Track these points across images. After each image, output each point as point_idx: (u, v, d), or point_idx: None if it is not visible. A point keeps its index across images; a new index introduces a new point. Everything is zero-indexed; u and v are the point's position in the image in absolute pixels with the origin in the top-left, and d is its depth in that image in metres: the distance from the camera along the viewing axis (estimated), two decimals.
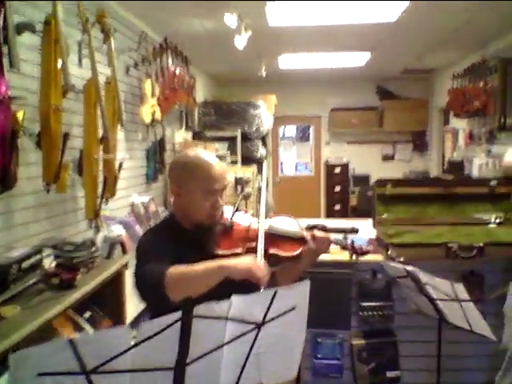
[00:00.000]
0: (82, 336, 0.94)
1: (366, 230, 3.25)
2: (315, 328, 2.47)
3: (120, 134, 4.18)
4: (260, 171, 7.92)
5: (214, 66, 7.24)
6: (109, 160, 3.23)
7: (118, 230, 3.58)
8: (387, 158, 9.04)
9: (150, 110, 4.25)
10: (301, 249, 1.77)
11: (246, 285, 1.52)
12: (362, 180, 8.74)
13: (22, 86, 2.54)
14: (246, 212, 1.87)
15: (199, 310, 1.00)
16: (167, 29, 4.83)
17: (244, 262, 1.50)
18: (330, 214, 8.92)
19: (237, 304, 1.07)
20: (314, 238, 1.78)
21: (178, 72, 4.89)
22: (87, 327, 2.72)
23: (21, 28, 2.23)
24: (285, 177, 9.44)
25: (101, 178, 3.26)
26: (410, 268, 1.88)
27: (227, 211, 1.80)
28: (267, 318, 1.11)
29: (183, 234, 1.72)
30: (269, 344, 1.15)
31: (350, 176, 8.95)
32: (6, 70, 2.03)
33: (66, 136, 2.48)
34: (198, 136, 6.45)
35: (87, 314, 2.79)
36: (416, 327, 2.60)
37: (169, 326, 0.96)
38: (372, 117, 8.67)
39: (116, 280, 2.91)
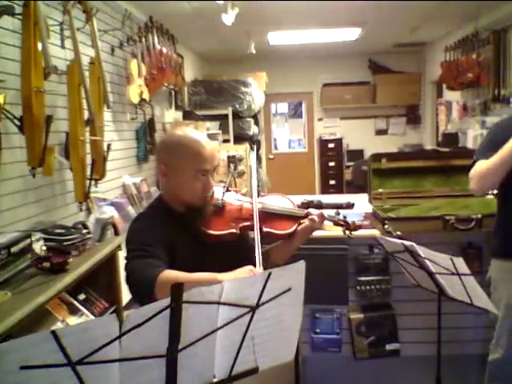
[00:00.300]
0: (65, 327, 0.89)
1: (361, 204, 3.22)
2: (313, 304, 2.45)
3: (108, 115, 4.10)
4: (253, 149, 7.88)
5: (202, 45, 7.10)
6: (96, 142, 3.16)
7: (109, 212, 3.52)
8: (381, 132, 8.98)
9: (137, 90, 4.16)
10: (295, 226, 1.75)
11: (229, 248, 1.56)
12: (356, 155, 8.71)
13: (3, 70, 2.46)
14: (237, 191, 1.82)
15: (189, 295, 0.95)
16: (152, 7, 4.70)
17: (240, 274, 1.41)
18: (325, 189, 8.89)
19: (229, 287, 1.02)
20: (307, 214, 1.75)
21: (164, 51, 4.78)
22: (83, 309, 2.68)
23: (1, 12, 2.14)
24: (278, 153, 9.39)
25: (89, 161, 3.20)
26: (407, 243, 1.84)
27: (217, 191, 1.74)
28: (262, 301, 1.07)
29: (174, 216, 1.66)
30: (264, 327, 1.11)
31: (343, 151, 8.90)
32: None
33: (49, 118, 2.40)
34: (188, 115, 6.36)
35: (82, 296, 2.76)
36: (413, 300, 2.58)
37: (158, 313, 0.92)
38: (364, 92, 8.59)
39: (110, 262, 2.88)
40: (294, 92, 8.96)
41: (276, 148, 9.57)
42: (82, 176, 2.88)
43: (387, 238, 2.04)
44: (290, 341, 1.18)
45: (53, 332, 0.85)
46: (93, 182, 3.25)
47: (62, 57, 3.02)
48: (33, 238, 2.53)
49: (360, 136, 8.83)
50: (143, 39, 4.40)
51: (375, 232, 2.62)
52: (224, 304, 1.02)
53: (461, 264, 1.66)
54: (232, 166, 5.10)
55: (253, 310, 1.06)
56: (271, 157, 9.23)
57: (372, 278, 2.66)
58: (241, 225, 1.67)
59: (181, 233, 1.63)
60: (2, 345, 0.86)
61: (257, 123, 7.76)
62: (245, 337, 1.08)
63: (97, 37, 3.21)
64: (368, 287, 2.64)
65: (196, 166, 1.58)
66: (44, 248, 2.46)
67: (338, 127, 8.99)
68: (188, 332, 1.00)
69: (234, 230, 1.66)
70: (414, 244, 1.81)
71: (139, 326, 0.91)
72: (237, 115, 6.83)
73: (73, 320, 2.54)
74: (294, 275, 1.11)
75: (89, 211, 3.61)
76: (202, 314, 1.02)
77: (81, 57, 2.80)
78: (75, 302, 2.69)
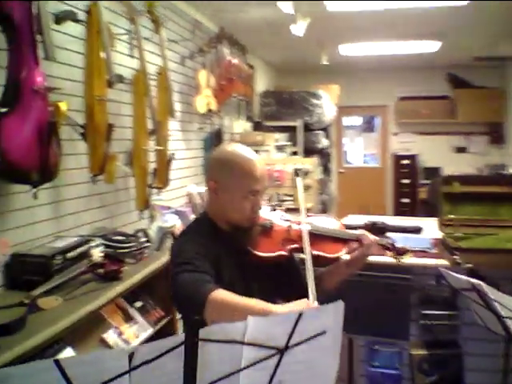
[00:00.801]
0: (70, 357, 0.83)
1: (431, 229, 3.01)
2: (369, 335, 2.28)
3: (175, 125, 4.15)
4: (322, 163, 7.73)
5: (274, 55, 7.08)
6: (160, 151, 3.18)
7: (172, 221, 3.53)
8: (460, 150, 8.51)
9: (204, 100, 4.17)
10: (345, 249, 1.64)
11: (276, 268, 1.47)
12: (433, 172, 8.27)
13: (69, 77, 2.52)
14: (283, 211, 1.74)
15: (206, 332, 0.86)
16: (223, 18, 4.72)
17: (298, 307, 1.32)
18: (397, 207, 8.55)
19: (254, 326, 0.93)
20: (358, 238, 1.63)
21: (234, 62, 4.78)
22: (137, 317, 2.68)
23: (61, 17, 2.19)
24: (349, 168, 9.16)
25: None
26: (475, 281, 1.65)
27: (263, 211, 1.67)
28: (292, 343, 0.96)
29: (219, 233, 1.60)
30: (294, 371, 1.00)
31: (419, 168, 8.52)
32: (42, 60, 1.99)
33: (110, 127, 2.43)
34: (257, 126, 6.33)
35: (139, 304, 2.76)
36: (484, 340, 2.34)
37: (169, 350, 0.84)
38: (443, 106, 8.19)
39: (168, 270, 2.85)
40: (368, 105, 8.71)
41: (348, 162, 9.35)
42: (144, 184, 2.90)
43: (452, 274, 1.85)
44: None
45: (56, 361, 0.79)
46: (155, 190, 3.29)
47: (129, 66, 3.07)
48: (92, 244, 2.58)
49: (437, 153, 8.41)
50: (213, 50, 4.41)
51: (443, 262, 2.41)
52: (247, 344, 0.93)
53: None
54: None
55: (281, 351, 0.96)
56: (342, 171, 9.02)
57: (438, 312, 2.44)
58: (289, 247, 1.60)
59: (226, 251, 1.57)
60: (6, 369, 0.82)
61: (327, 136, 7.61)
62: (272, 381, 0.98)
63: (165, 47, 3.24)
64: (433, 322, 2.43)
65: (247, 186, 1.53)
66: (101, 254, 2.49)
67: (413, 143, 8.63)
68: (207, 371, 0.92)
69: (283, 252, 1.58)
70: (481, 283, 1.62)
71: (150, 361, 0.84)
72: (307, 127, 6.72)
73: (126, 328, 2.54)
74: (331, 317, 1.00)
75: (152, 219, 3.65)
76: (225, 353, 0.93)
77: (146, 66, 2.82)
78: (131, 309, 2.69)
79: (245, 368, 0.94)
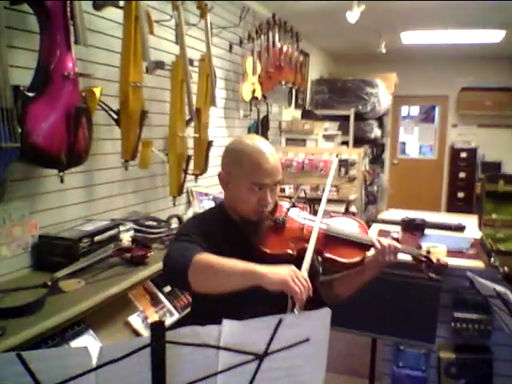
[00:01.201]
0: (33, 352, 0.83)
1: (474, 228, 2.84)
2: (393, 336, 2.19)
3: (220, 112, 4.14)
4: (376, 153, 7.52)
5: (331, 43, 6.91)
6: (199, 138, 3.18)
7: (208, 206, 3.54)
8: None
9: (249, 87, 4.13)
10: (362, 256, 1.53)
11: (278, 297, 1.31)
12: (492, 167, 7.89)
13: (109, 62, 2.55)
14: (304, 209, 1.65)
15: (175, 335, 0.84)
16: (277, 5, 4.63)
17: (281, 272, 1.25)
18: (452, 201, 8.22)
19: (230, 330, 0.89)
20: (378, 244, 1.51)
21: (285, 49, 4.70)
22: (165, 302, 2.72)
23: (100, 3, 2.21)
24: (404, 159, 8.87)
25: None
26: (501, 289, 1.54)
27: (284, 206, 1.61)
28: (272, 349, 0.92)
29: (231, 225, 1.57)
30: (274, 378, 0.96)
31: (478, 162, 8.13)
32: (79, 45, 2.01)
33: (143, 114, 2.44)
34: (307, 114, 6.23)
35: (167, 289, 2.79)
36: None
37: (134, 351, 0.82)
38: (507, 98, 7.73)
39: None
40: (427, 95, 8.36)
41: (405, 153, 9.05)
42: (178, 171, 2.91)
43: (478, 278, 1.74)
44: None
45: (18, 355, 0.79)
46: (193, 177, 3.30)
47: (174, 52, 3.07)
48: (122, 228, 2.63)
49: (498, 147, 7.98)
50: (262, 37, 4.35)
51: (478, 264, 2.28)
52: (223, 349, 0.89)
53: None
54: (343, 170, 4.86)
55: (260, 357, 0.92)
56: (395, 162, 8.76)
57: (471, 315, 2.32)
58: (299, 246, 1.49)
59: (232, 241, 1.53)
60: None
61: (381, 126, 7.39)
62: None
63: (209, 33, 3.22)
64: (464, 325, 2.31)
65: (252, 178, 1.47)
66: (129, 239, 2.52)
67: (474, 135, 8.23)
68: (179, 373, 0.90)
69: (290, 251, 1.49)
70: (508, 292, 1.51)
71: (114, 361, 0.82)
72: (360, 117, 6.56)
73: (151, 312, 2.58)
74: (315, 324, 0.95)
75: (189, 204, 3.68)
76: (198, 356, 0.90)
77: (186, 53, 2.81)
78: (159, 294, 2.73)
79: (219, 372, 0.91)
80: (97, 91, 2.23)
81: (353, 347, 3.17)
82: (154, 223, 2.75)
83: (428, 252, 1.55)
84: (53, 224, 2.31)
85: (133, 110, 2.38)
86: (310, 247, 1.40)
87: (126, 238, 2.56)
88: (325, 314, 0.95)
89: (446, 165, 8.47)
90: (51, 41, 1.89)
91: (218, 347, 0.88)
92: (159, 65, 2.76)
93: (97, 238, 2.30)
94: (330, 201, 4.98)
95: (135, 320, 2.40)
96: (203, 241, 1.46)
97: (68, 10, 1.94)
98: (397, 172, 8.69)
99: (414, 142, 9.16)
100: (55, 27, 1.90)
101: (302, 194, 1.74)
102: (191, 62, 3.12)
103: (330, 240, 1.53)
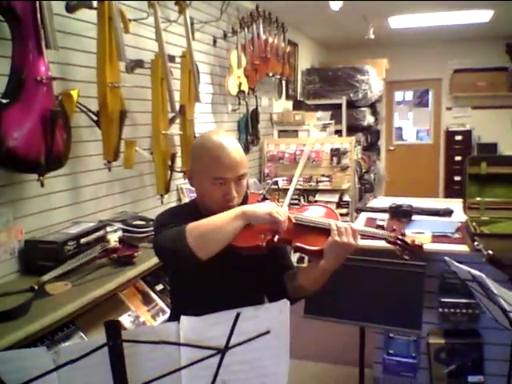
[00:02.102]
0: None
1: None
2: (379, 324, 2.19)
3: (208, 107, 4.14)
4: (371, 140, 7.51)
5: (319, 31, 6.88)
6: (185, 135, 3.18)
7: None
8: None
9: (235, 81, 4.12)
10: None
11: (255, 262, 1.45)
12: (489, 148, 7.87)
13: (86, 64, 2.56)
14: (275, 200, 1.64)
15: (131, 334, 0.85)
16: None
17: (265, 205, 1.45)
18: (449, 185, 8.20)
19: (189, 326, 0.91)
20: (334, 226, 1.45)
21: (270, 40, 4.69)
22: (157, 300, 2.73)
23: (73, 5, 2.21)
24: (400, 145, 8.86)
25: (179, 154, 3.25)
26: (476, 273, 1.54)
27: (254, 199, 1.61)
28: (233, 343, 0.93)
29: (198, 219, 1.57)
30: (239, 371, 0.98)
31: (473, 144, 8.10)
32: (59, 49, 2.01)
33: (123, 114, 2.45)
34: (298, 105, 6.22)
35: (159, 287, 2.80)
36: (505, 329, 2.20)
37: (92, 351, 0.83)
38: (501, 78, 7.70)
39: None
40: (420, 79, 8.33)
41: (402, 138, 9.03)
42: (164, 169, 2.92)
43: (455, 263, 1.74)
44: None
45: None
46: (180, 174, 3.31)
47: (154, 50, 3.06)
48: (111, 229, 2.64)
49: (494, 128, 7.95)
50: (246, 29, 4.34)
51: (462, 248, 2.28)
52: (184, 345, 0.91)
53: None
54: (335, 159, 4.87)
55: (221, 352, 0.93)
56: (392, 148, 8.74)
57: (458, 300, 2.32)
58: (269, 237, 1.47)
59: None
60: None
61: (374, 113, 7.37)
62: (215, 380, 0.96)
63: (189, 29, 3.21)
64: (452, 310, 2.31)
65: (213, 173, 1.47)
66: (116, 239, 2.54)
67: (469, 117, 8.20)
68: (141, 371, 0.91)
69: (260, 243, 1.46)
70: (483, 276, 1.51)
71: (73, 361, 0.84)
72: (352, 104, 6.55)
73: (143, 311, 2.60)
74: (274, 316, 0.96)
75: (180, 202, 3.69)
76: (158, 353, 0.91)
77: (165, 50, 2.81)
78: (151, 293, 2.75)
79: (181, 368, 0.92)
80: (74, 94, 2.23)
81: (345, 337, 3.19)
82: (142, 222, 2.76)
83: (403, 234, 1.52)
84: (39, 228, 2.33)
85: (112, 111, 2.38)
86: (291, 189, 1.54)
87: (114, 239, 2.57)
88: (283, 306, 0.96)
89: (441, 149, 8.45)
90: (23, 47, 1.90)
91: (177, 344, 0.90)
92: (138, 63, 2.76)
93: (83, 240, 2.31)
94: (322, 191, 5.01)
95: (126, 320, 2.43)
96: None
97: (39, 15, 1.94)
98: (394, 158, 8.68)
99: (410, 127, 9.14)
100: (26, 33, 1.91)
101: (275, 186, 1.74)
102: (173, 58, 3.12)
103: (297, 228, 1.51)
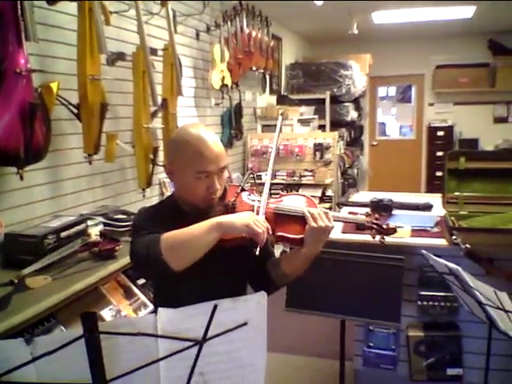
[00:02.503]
0: None
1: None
2: (359, 317, 2.22)
3: (191, 101, 4.13)
4: (354, 135, 7.55)
5: (303, 26, 6.89)
6: (166, 128, 3.17)
7: None
8: (500, 120, 8.12)
9: (218, 75, 4.11)
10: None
11: (238, 251, 1.43)
12: (470, 144, 7.97)
13: (67, 56, 2.53)
14: (253, 191, 1.66)
15: (108, 325, 0.85)
16: None
17: (243, 216, 1.41)
18: (431, 180, 8.30)
19: (167, 318, 0.91)
20: (307, 212, 1.48)
21: (253, 34, 4.69)
22: (139, 294, 2.73)
23: None
24: (383, 140, 8.92)
25: (161, 148, 3.24)
26: (452, 266, 1.57)
27: (233, 191, 1.62)
28: (210, 334, 0.94)
29: (182, 215, 1.57)
30: (216, 362, 0.99)
31: (455, 140, 8.20)
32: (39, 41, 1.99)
33: (103, 107, 2.43)
34: (282, 99, 6.23)
35: (141, 281, 2.79)
36: (483, 322, 2.25)
37: (69, 342, 0.83)
38: (483, 74, 7.79)
39: None
40: (403, 74, 8.39)
41: (385, 134, 9.10)
42: (146, 162, 2.91)
43: (432, 256, 1.77)
44: (253, 379, 1.04)
45: None
46: (163, 168, 3.30)
47: (135, 42, 3.04)
48: (92, 223, 2.63)
49: (475, 123, 8.06)
50: (229, 23, 4.33)
51: (441, 242, 2.32)
52: (161, 337, 0.91)
53: (505, 299, 1.37)
54: (318, 154, 4.89)
55: (199, 343, 0.94)
56: (375, 143, 8.81)
57: (437, 293, 2.36)
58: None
59: None
60: None
61: (358, 108, 7.41)
62: (193, 372, 0.97)
63: (171, 22, 3.19)
64: (431, 303, 2.35)
65: (197, 166, 1.47)
66: (97, 233, 2.52)
67: (451, 113, 8.30)
68: (119, 363, 0.91)
69: (244, 234, 1.46)
70: (459, 269, 1.54)
71: (50, 353, 0.84)
72: (335, 99, 6.57)
73: (125, 305, 2.59)
74: (252, 308, 0.97)
75: (163, 196, 3.68)
76: (137, 345, 0.92)
77: (146, 43, 2.79)
78: (132, 287, 2.74)
79: (159, 360, 0.93)
80: (54, 86, 2.21)
81: (327, 330, 3.23)
82: (124, 216, 2.75)
83: (377, 219, 1.55)
84: (20, 222, 2.31)
85: (92, 103, 2.37)
86: (264, 195, 1.51)
87: (95, 233, 2.56)
88: (261, 298, 0.97)
89: (424, 144, 8.54)
90: (3, 39, 1.88)
91: (155, 335, 0.90)
92: (120, 56, 2.74)
93: (63, 234, 2.29)
94: (306, 185, 5.03)
95: (108, 314, 2.42)
96: (159, 230, 1.46)
97: (19, 7, 1.92)
98: (377, 154, 8.74)
99: (393, 122, 9.21)
100: (6, 25, 1.89)
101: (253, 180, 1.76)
102: (155, 51, 3.11)
103: (278, 218, 1.53)
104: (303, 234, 1.48)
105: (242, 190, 1.61)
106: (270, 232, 1.45)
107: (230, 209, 1.54)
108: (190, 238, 1.38)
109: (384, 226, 1.53)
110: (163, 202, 1.72)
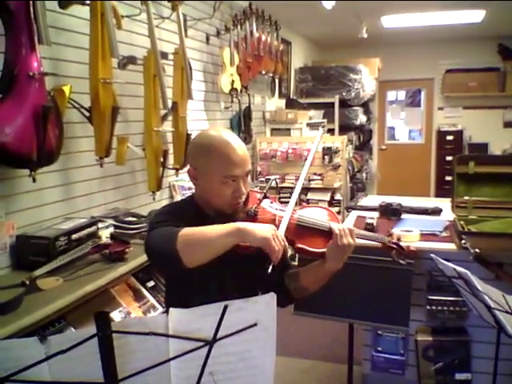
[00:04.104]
0: None
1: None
2: (368, 321, 2.22)
3: (200, 105, 4.15)
4: (364, 139, 7.54)
5: (313, 30, 6.90)
6: (177, 132, 3.20)
7: None
8: (510, 124, 8.07)
9: (228, 79, 4.14)
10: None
11: (253, 259, 1.40)
12: (479, 148, 7.94)
13: (79, 60, 2.56)
14: (275, 200, 1.65)
15: (121, 324, 0.87)
16: None
17: (264, 229, 1.36)
18: (440, 185, 8.26)
19: (178, 318, 0.93)
20: (335, 228, 1.48)
21: (263, 38, 4.71)
22: (148, 296, 2.75)
23: (66, 1, 2.21)
24: (392, 144, 8.90)
25: (171, 151, 3.27)
26: (461, 270, 1.57)
27: (255, 198, 1.61)
28: (221, 335, 0.95)
29: (203, 218, 1.54)
30: (226, 363, 1.00)
31: (464, 144, 8.17)
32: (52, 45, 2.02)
33: (115, 110, 2.46)
34: (291, 103, 6.24)
35: (151, 283, 2.81)
36: (491, 327, 2.24)
37: (82, 341, 0.85)
38: (493, 79, 7.76)
39: None
40: (412, 79, 8.38)
41: (394, 138, 9.08)
42: (156, 166, 2.93)
43: (441, 260, 1.77)
44: (262, 380, 1.05)
45: None
46: (175, 171, 3.32)
47: (147, 46, 3.07)
48: (103, 225, 2.65)
49: (485, 128, 8.02)
50: (239, 27, 4.35)
51: (451, 246, 2.31)
52: (172, 336, 0.93)
53: None
54: (327, 158, 4.89)
55: (209, 343, 0.95)
56: (384, 147, 8.79)
57: (445, 297, 2.35)
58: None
59: None
60: None
61: (366, 112, 7.41)
62: (203, 372, 0.98)
63: (182, 26, 3.22)
64: (440, 308, 2.34)
65: (224, 170, 1.46)
66: (108, 235, 2.55)
67: (460, 117, 8.27)
68: (130, 362, 0.93)
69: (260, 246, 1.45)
70: (468, 272, 1.54)
71: (63, 352, 0.85)
72: (344, 103, 6.57)
73: (135, 307, 2.61)
74: (261, 309, 0.98)
75: (172, 199, 3.70)
76: (148, 344, 0.93)
77: (158, 47, 2.82)
78: (142, 289, 2.76)
79: (170, 360, 0.94)
80: (66, 89, 2.24)
81: (335, 334, 3.22)
82: (134, 219, 2.77)
83: (398, 239, 1.56)
84: (32, 224, 2.33)
85: (104, 107, 2.39)
86: (288, 213, 1.48)
87: (106, 235, 2.58)
88: (270, 299, 0.98)
89: (433, 148, 8.51)
90: (16, 42, 1.91)
91: (166, 335, 0.91)
92: (131, 60, 2.77)
93: (74, 236, 2.32)
94: (314, 189, 5.03)
95: (117, 316, 2.44)
96: (180, 225, 1.44)
97: (32, 10, 1.95)
98: (386, 158, 8.73)
99: (402, 126, 9.19)
100: (19, 29, 1.91)
101: (274, 184, 1.74)
102: (166, 55, 3.14)
103: (300, 230, 1.53)
104: (325, 248, 1.48)
105: (265, 196, 1.61)
106: (288, 250, 1.45)
107: (252, 216, 1.54)
108: (208, 238, 1.36)
109: (405, 248, 1.55)
110: (183, 202, 1.69)
